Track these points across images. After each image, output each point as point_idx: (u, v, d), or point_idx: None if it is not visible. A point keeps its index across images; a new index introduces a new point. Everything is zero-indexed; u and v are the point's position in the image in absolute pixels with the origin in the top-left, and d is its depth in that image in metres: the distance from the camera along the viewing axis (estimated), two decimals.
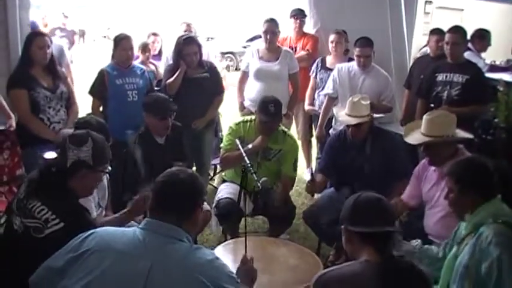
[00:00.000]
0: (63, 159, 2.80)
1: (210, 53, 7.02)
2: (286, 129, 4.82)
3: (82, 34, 25.78)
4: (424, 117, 3.86)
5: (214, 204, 4.54)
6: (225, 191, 4.67)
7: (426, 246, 3.23)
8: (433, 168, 3.84)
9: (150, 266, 2.07)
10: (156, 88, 5.54)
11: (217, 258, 2.22)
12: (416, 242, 3.25)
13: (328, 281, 2.29)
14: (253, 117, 4.73)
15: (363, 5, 6.50)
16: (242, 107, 6.11)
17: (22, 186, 2.86)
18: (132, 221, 4.07)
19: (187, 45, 5.34)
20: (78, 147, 2.80)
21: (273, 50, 6.01)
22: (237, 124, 4.75)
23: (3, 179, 5.02)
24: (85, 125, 3.65)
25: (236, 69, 17.24)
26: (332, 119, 5.74)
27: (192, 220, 2.29)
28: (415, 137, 3.87)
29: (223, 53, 18.72)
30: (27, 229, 2.62)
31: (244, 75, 6.16)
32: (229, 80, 8.80)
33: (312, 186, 4.56)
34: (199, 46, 5.47)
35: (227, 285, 2.14)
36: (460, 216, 2.92)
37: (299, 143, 6.61)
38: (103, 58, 8.32)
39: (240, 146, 4.28)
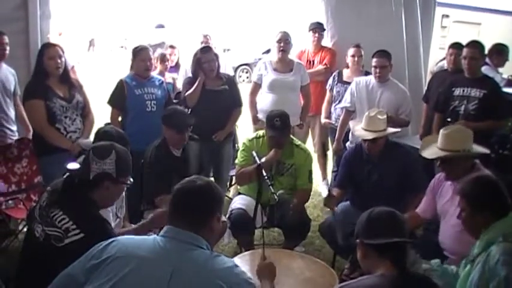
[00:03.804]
0: (87, 171, 2.82)
1: (228, 65, 7.05)
2: (298, 142, 4.82)
3: (92, 43, 25.94)
4: (441, 131, 3.85)
5: (227, 215, 4.55)
6: (238, 202, 4.69)
7: (445, 265, 3.21)
8: (448, 182, 3.83)
9: (171, 272, 2.09)
10: (174, 100, 5.58)
11: (236, 265, 2.24)
12: (435, 261, 3.24)
13: None
14: (264, 132, 4.75)
15: (380, 18, 6.52)
16: (256, 120, 6.10)
17: (44, 194, 2.89)
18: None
19: (205, 53, 5.44)
20: (102, 160, 2.82)
21: (286, 62, 6.05)
22: (250, 140, 4.77)
23: (21, 186, 5.08)
24: (104, 135, 3.69)
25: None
26: (349, 132, 5.74)
27: (209, 228, 2.30)
28: (431, 151, 3.86)
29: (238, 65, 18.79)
30: (48, 237, 2.64)
31: (256, 87, 6.17)
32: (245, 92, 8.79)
33: (330, 201, 4.58)
34: (216, 55, 5.55)
35: None
36: (472, 234, 2.92)
37: (315, 156, 6.64)
38: (121, 68, 8.39)
39: (257, 158, 4.29)
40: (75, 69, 6.39)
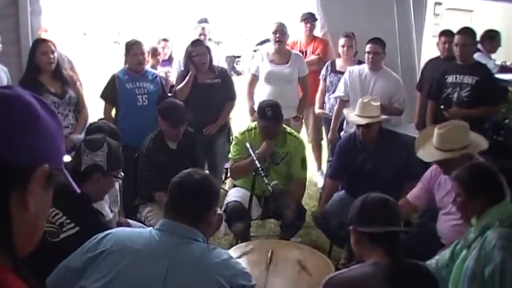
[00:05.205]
0: (78, 163, 2.84)
1: (221, 59, 7.03)
2: (290, 130, 4.82)
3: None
4: (436, 130, 3.72)
5: (223, 208, 4.55)
6: (234, 194, 4.69)
7: (428, 262, 3.19)
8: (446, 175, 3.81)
9: (167, 266, 2.10)
10: (169, 94, 5.57)
11: (231, 257, 2.27)
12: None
13: (337, 284, 2.30)
14: (256, 123, 4.75)
15: (370, 7, 6.51)
16: (252, 111, 6.11)
17: None
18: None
19: (195, 47, 5.43)
20: (93, 152, 2.86)
21: (283, 53, 6.03)
22: (242, 133, 4.75)
23: None
24: (97, 130, 3.70)
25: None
26: (343, 121, 5.74)
27: (206, 221, 2.31)
28: (428, 152, 3.77)
29: (233, 57, 18.69)
30: (44, 233, 2.65)
31: (254, 79, 6.18)
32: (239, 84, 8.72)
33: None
34: (207, 48, 5.54)
35: (244, 281, 2.18)
36: (467, 221, 2.93)
37: (309, 146, 6.64)
38: (115, 63, 8.34)
39: (250, 150, 4.29)
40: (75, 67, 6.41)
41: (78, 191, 1.26)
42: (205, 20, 7.73)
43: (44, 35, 6.08)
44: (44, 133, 1.06)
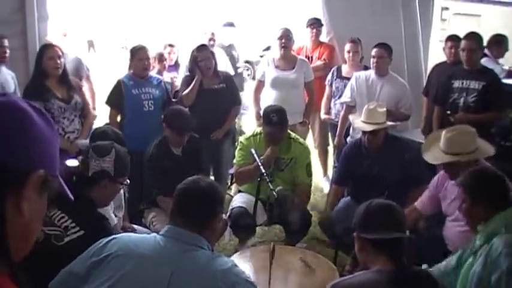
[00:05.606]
0: (85, 168, 2.86)
1: (228, 64, 7.04)
2: (295, 136, 4.81)
3: (91, 45, 25.84)
4: (443, 134, 3.73)
5: (228, 214, 4.54)
6: (238, 200, 4.68)
7: (433, 267, 3.17)
8: (452, 181, 3.77)
9: (171, 272, 2.09)
10: (173, 99, 5.58)
11: (235, 265, 2.24)
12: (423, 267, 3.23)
13: None
14: (261, 129, 4.74)
15: (376, 12, 6.51)
16: (258, 116, 6.10)
17: None
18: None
19: (200, 52, 5.43)
20: (101, 158, 2.88)
21: (289, 59, 6.02)
22: (247, 139, 4.75)
23: None
24: (102, 135, 3.70)
25: (253, 78, 17.21)
26: (349, 127, 5.73)
27: (211, 228, 2.31)
28: (434, 155, 3.77)
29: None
30: (48, 237, 2.66)
31: (260, 84, 6.18)
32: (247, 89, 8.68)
33: None
34: (212, 53, 5.56)
35: None
36: (473, 227, 2.90)
37: (315, 152, 6.63)
38: (122, 68, 8.36)
39: (255, 156, 4.29)
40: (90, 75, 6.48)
41: (72, 198, 1.25)
42: (231, 24, 7.73)
43: (62, 40, 6.14)
44: (39, 139, 1.08)
